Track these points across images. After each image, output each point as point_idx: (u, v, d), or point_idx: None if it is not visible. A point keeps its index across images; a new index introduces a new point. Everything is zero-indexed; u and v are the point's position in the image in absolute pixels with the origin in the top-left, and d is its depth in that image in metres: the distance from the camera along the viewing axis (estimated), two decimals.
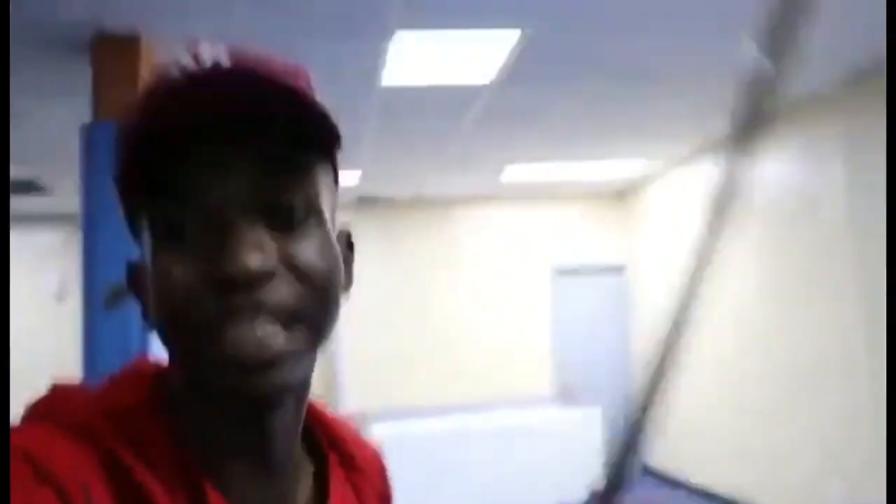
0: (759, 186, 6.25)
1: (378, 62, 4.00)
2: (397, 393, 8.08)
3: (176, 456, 0.55)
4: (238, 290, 0.51)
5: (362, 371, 8.03)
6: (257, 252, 0.52)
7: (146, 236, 0.56)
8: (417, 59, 3.99)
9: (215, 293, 0.52)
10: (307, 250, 0.56)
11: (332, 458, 0.67)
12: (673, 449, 7.85)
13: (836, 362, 5.36)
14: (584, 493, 7.29)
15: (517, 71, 4.34)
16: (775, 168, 6.02)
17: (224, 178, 0.53)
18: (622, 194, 8.74)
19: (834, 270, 5.31)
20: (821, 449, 5.52)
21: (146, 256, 0.56)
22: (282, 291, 0.53)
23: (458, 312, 8.32)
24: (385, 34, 3.63)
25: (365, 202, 8.17)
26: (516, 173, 7.30)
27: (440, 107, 5.02)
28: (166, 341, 0.56)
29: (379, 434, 7.09)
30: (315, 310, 0.56)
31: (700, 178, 7.06)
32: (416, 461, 7.08)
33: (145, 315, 0.59)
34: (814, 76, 4.84)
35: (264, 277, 0.52)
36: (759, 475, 6.35)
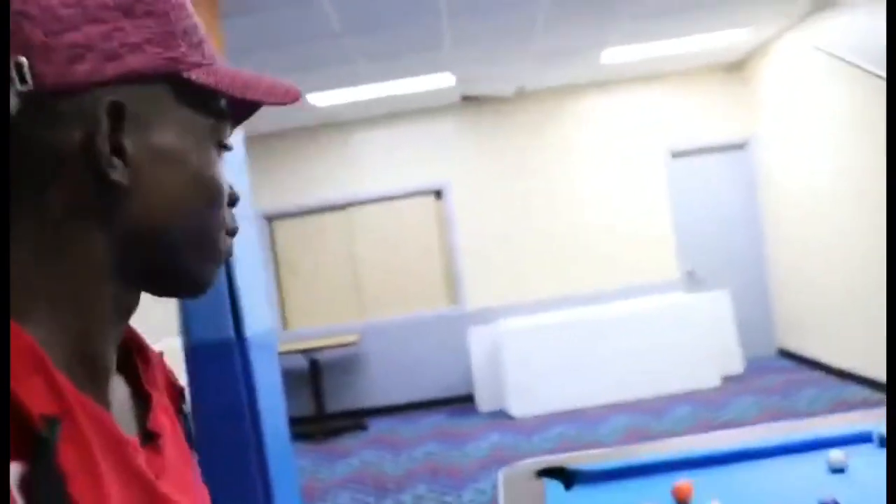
0: (865, 43, 5.72)
1: None
2: (520, 288, 8.15)
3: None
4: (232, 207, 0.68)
5: (484, 268, 8.15)
6: None
7: (206, 137, 0.64)
8: None
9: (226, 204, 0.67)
10: None
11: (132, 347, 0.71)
12: (808, 332, 7.56)
13: None
14: (716, 379, 7.21)
15: None
16: (872, 23, 5.47)
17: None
18: (735, 66, 8.23)
19: None
20: None
21: (197, 153, 0.63)
22: None
23: (574, 205, 8.22)
24: None
25: (469, 101, 8.11)
26: (614, 56, 7.00)
27: None
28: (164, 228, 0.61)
29: (506, 329, 7.24)
30: None
31: (814, 38, 6.52)
32: (547, 352, 7.20)
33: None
34: None
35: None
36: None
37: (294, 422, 8.12)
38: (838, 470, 2.14)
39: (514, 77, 7.37)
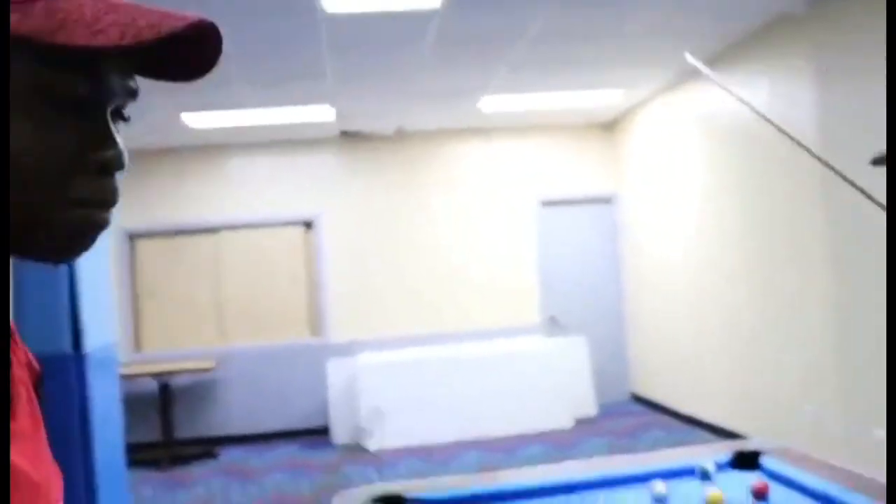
0: (730, 115, 6.12)
1: None
2: (384, 325, 8.13)
3: None
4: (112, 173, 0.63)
5: (348, 303, 8.09)
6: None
7: (29, 96, 0.57)
8: None
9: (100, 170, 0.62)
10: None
11: None
12: (659, 379, 7.88)
13: (809, 292, 5.31)
14: (569, 421, 7.39)
15: None
16: (745, 92, 5.88)
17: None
18: (608, 125, 8.61)
19: (811, 196, 5.22)
20: (797, 377, 5.50)
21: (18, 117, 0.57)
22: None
23: (445, 245, 8.31)
24: None
25: (347, 137, 8.11)
26: (494, 104, 7.18)
27: (393, 34, 4.93)
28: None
29: (366, 362, 7.20)
30: None
31: (683, 104, 6.92)
32: (404, 389, 7.18)
33: None
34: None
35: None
36: (738, 404, 6.36)
37: (139, 447, 7.73)
38: (660, 500, 2.23)
39: (394, 116, 7.44)
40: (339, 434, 7.45)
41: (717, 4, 4.87)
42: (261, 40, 4.81)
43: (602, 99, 7.37)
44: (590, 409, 7.89)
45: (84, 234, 0.62)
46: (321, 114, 6.99)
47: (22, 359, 0.72)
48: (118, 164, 0.62)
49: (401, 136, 8.23)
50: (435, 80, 6.21)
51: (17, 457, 0.58)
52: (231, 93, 6.05)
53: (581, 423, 7.61)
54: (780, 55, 5.42)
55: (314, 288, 8.16)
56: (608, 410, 8.07)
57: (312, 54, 5.16)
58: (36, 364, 0.75)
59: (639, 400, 8.39)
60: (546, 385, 7.46)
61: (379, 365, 7.26)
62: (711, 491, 2.17)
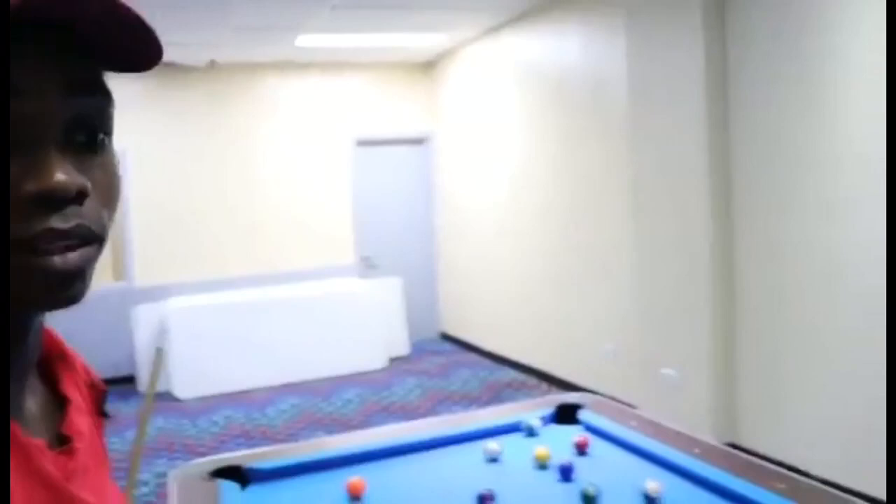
0: (546, 64, 6.35)
1: None
2: (195, 268, 7.84)
3: None
4: (52, 208, 0.52)
5: (156, 245, 7.72)
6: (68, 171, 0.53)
7: None
8: None
9: (32, 209, 0.52)
10: (107, 170, 0.59)
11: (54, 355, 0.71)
12: (468, 319, 8.19)
13: (612, 238, 5.68)
14: (384, 361, 7.56)
15: None
16: (558, 43, 6.12)
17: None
18: (425, 66, 8.65)
19: (618, 150, 5.54)
20: (599, 319, 5.92)
21: None
22: (87, 210, 0.55)
23: (258, 184, 8.10)
24: None
25: (159, 68, 7.61)
26: (312, 41, 7.00)
27: None
28: None
29: (175, 307, 6.94)
30: (106, 226, 0.59)
31: (502, 50, 7.08)
32: (216, 333, 7.00)
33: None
34: None
35: (76, 198, 0.53)
36: (542, 342, 6.76)
37: None
38: (493, 459, 2.37)
39: (208, 48, 7.06)
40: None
41: None
42: None
43: (422, 42, 7.38)
44: (403, 348, 8.09)
45: (32, 284, 0.54)
46: None
47: (82, 378, 0.72)
48: (49, 198, 0.52)
49: (214, 69, 7.84)
50: (251, 15, 5.95)
51: (80, 490, 0.58)
52: None
53: (395, 361, 7.80)
54: (592, 6, 5.65)
55: (118, 228, 7.70)
56: (420, 349, 8.31)
57: None
58: (101, 384, 0.75)
59: (448, 338, 8.70)
60: (361, 326, 7.55)
61: (189, 309, 7.03)
62: (539, 448, 2.33)
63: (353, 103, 8.42)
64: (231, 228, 7.99)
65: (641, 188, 5.05)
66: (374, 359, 7.57)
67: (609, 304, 5.72)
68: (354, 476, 2.11)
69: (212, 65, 7.75)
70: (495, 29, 7.08)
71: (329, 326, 7.42)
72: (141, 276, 7.67)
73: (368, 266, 8.50)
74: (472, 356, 7.89)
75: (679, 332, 4.79)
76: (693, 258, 4.62)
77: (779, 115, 4.13)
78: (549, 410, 2.73)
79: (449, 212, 8.48)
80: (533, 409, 2.79)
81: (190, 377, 6.90)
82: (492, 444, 2.41)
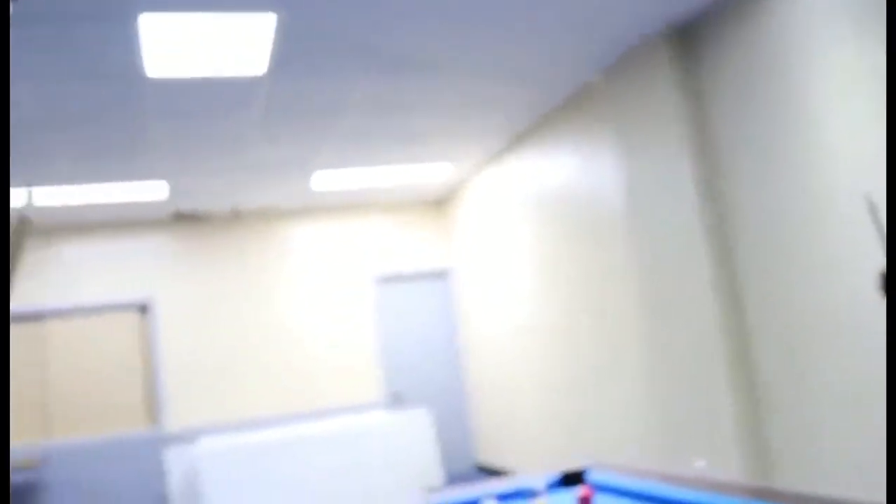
0: (547, 184, 6.57)
1: (133, 48, 3.94)
2: (223, 409, 7.88)
3: None
4: None
5: (186, 387, 7.81)
6: None
7: None
8: (177, 46, 3.96)
9: None
10: None
11: None
12: (502, 447, 8.05)
13: (628, 348, 5.67)
14: (415, 495, 7.37)
15: (291, 60, 4.40)
16: (557, 163, 6.35)
17: None
18: (438, 200, 8.96)
19: (615, 263, 5.64)
20: (621, 425, 5.81)
21: None
22: None
23: (283, 326, 8.24)
24: (127, 16, 3.58)
25: (181, 218, 7.99)
26: (326, 180, 7.34)
27: (220, 102, 4.98)
28: None
29: (206, 449, 6.93)
30: None
31: (507, 176, 7.34)
32: (248, 473, 6.93)
33: None
34: (580, 65, 5.18)
35: None
36: (570, 451, 6.61)
37: None
38: None
39: (228, 194, 7.42)
40: None
41: (525, 74, 5.28)
42: (81, 107, 4.72)
43: (430, 173, 7.69)
44: (436, 482, 7.91)
45: None
46: (154, 191, 6.86)
47: None
48: None
49: (236, 216, 8.20)
50: (265, 152, 6.29)
51: None
52: (50, 168, 5.83)
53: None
54: (585, 125, 5.91)
55: (150, 374, 7.83)
56: (455, 482, 8.11)
57: (137, 122, 5.10)
58: None
59: (483, 469, 8.51)
60: (392, 460, 7.43)
61: (219, 451, 7.01)
62: (539, 500, 2.30)
63: (371, 242, 8.70)
64: (258, 370, 8.08)
65: (647, 287, 5.10)
66: (407, 493, 7.40)
67: (628, 411, 5.63)
68: None
69: (234, 213, 8.11)
70: (497, 156, 7.38)
71: (360, 462, 7.32)
72: (172, 420, 7.71)
73: (397, 400, 8.47)
74: None
75: (703, 421, 4.69)
76: (705, 342, 4.59)
77: (769, 198, 4.22)
78: (555, 476, 2.70)
79: (472, 342, 8.52)
80: (540, 476, 2.75)
81: None
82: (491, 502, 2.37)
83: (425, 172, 7.65)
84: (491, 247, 7.86)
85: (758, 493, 2.10)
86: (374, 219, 8.75)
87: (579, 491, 2.43)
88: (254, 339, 8.13)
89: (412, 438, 7.70)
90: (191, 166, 6.37)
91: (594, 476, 2.59)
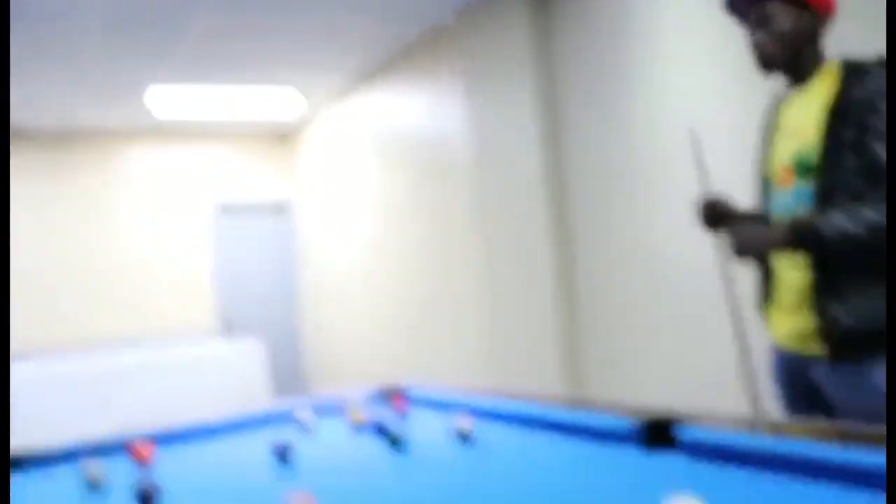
0: (395, 126, 6.47)
1: None
2: (47, 330, 7.46)
3: None
4: None
5: (13, 307, 7.26)
6: None
7: None
8: None
9: None
10: None
11: None
12: (332, 376, 8.01)
13: (468, 296, 5.70)
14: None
15: None
16: (406, 103, 6.25)
17: None
18: (286, 134, 8.70)
19: (458, 206, 5.65)
20: (456, 371, 5.88)
21: None
22: None
23: (118, 250, 7.87)
24: None
25: (13, 135, 7.38)
26: (172, 102, 6.91)
27: (49, 6, 4.55)
28: None
29: (29, 372, 6.54)
30: None
31: (355, 113, 7.16)
32: (73, 398, 6.62)
33: None
34: (434, 4, 5.09)
35: None
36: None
37: None
38: (306, 429, 2.23)
39: (63, 110, 6.88)
40: None
41: (378, 8, 5.13)
42: None
43: (277, 99, 7.36)
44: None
45: None
46: None
47: None
48: None
49: (71, 133, 7.66)
50: (102, 66, 5.83)
51: None
52: None
53: None
54: (436, 67, 5.82)
55: None
56: None
57: None
58: None
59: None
60: (222, 388, 7.24)
61: (45, 374, 6.61)
62: (355, 412, 2.23)
63: (214, 172, 8.38)
64: (89, 295, 7.68)
65: (489, 229, 5.16)
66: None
67: (466, 357, 5.70)
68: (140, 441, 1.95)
69: (67, 129, 7.55)
70: (347, 91, 7.18)
71: (192, 388, 7.09)
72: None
73: (231, 329, 8.24)
74: None
75: (532, 351, 4.81)
76: (537, 279, 4.69)
77: (606, 155, 4.32)
78: (373, 391, 2.65)
79: (312, 274, 8.39)
80: (358, 391, 2.70)
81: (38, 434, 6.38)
82: (304, 414, 2.29)
83: (271, 97, 7.33)
84: (335, 184, 7.70)
85: (572, 401, 2.13)
86: (219, 148, 8.42)
87: (395, 402, 2.39)
88: (88, 262, 7.71)
89: (243, 367, 7.51)
90: (19, 74, 5.82)
91: (412, 391, 2.55)
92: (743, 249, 1.83)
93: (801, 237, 1.74)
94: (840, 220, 1.69)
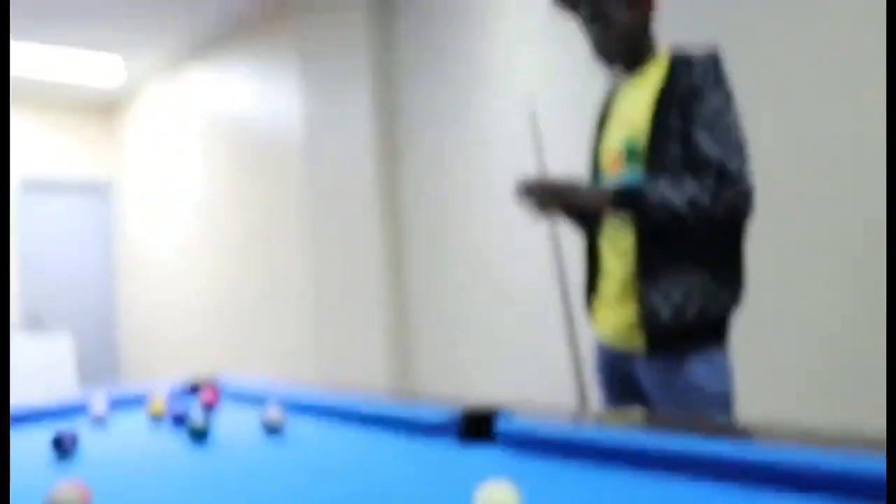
0: (225, 104, 6.20)
1: None
2: None
3: None
4: None
5: None
6: None
7: None
8: None
9: None
10: None
11: None
12: (150, 363, 7.58)
13: (293, 282, 5.53)
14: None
15: None
16: (236, 83, 6.00)
17: None
18: (107, 106, 8.11)
19: (287, 192, 5.47)
20: (284, 355, 5.67)
21: None
22: None
23: None
24: None
25: None
26: None
27: None
28: None
29: None
30: None
31: (184, 90, 6.79)
32: None
33: None
34: None
35: None
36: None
37: None
38: (100, 420, 2.02)
39: None
40: None
41: None
42: None
43: (96, 67, 6.83)
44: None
45: None
46: None
47: None
48: None
49: None
50: None
51: None
52: None
53: None
54: (270, 45, 5.61)
55: None
56: None
57: None
58: None
59: None
60: (26, 386, 6.64)
61: None
62: (154, 404, 2.04)
63: (21, 142, 7.63)
64: None
65: (318, 218, 5.00)
66: None
67: (293, 341, 5.52)
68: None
69: None
70: (174, 65, 6.81)
71: None
72: None
73: (37, 324, 7.58)
74: None
75: (358, 342, 4.70)
76: (365, 273, 4.60)
77: (440, 141, 4.29)
78: (181, 384, 2.45)
79: (130, 260, 7.87)
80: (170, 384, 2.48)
81: None
82: (97, 405, 2.06)
83: (90, 62, 6.79)
84: (161, 165, 7.26)
85: (394, 394, 2.03)
86: (25, 115, 7.66)
87: (204, 394, 2.21)
88: None
89: (49, 364, 6.92)
90: None
91: (224, 382, 2.37)
92: (569, 207, 1.81)
93: (625, 197, 1.75)
94: (663, 188, 1.71)
